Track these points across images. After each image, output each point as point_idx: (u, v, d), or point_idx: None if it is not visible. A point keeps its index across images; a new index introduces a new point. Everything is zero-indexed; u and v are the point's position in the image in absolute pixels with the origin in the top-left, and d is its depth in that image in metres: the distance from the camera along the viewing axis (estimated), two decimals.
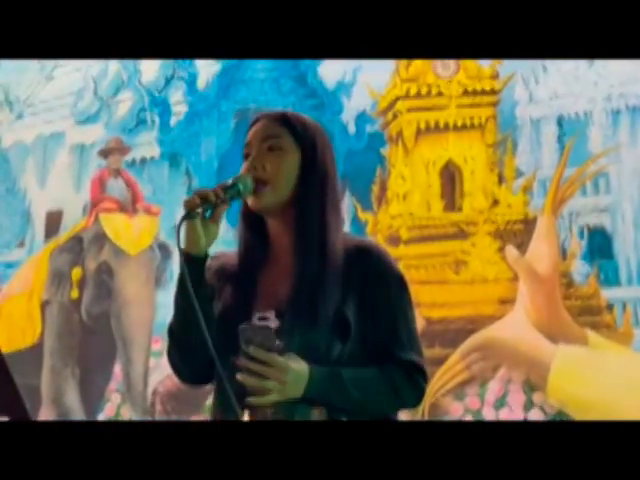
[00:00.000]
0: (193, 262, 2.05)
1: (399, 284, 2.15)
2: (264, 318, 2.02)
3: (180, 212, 2.03)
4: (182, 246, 2.04)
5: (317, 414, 2.02)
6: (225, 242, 2.22)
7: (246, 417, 2.01)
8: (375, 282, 2.10)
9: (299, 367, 1.99)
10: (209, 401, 2.27)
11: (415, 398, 2.13)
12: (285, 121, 2.17)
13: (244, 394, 2.00)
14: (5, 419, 2.63)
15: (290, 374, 1.97)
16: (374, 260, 2.13)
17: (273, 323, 2.00)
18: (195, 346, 1.99)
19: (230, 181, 2.08)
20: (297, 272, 2.09)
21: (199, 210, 2.03)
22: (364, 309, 2.09)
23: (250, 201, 2.12)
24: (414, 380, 2.10)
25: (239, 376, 1.96)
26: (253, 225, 2.18)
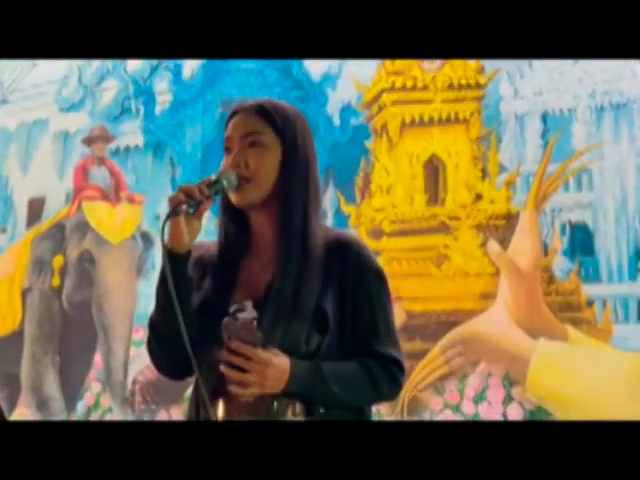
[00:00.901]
0: (176, 259, 2.05)
1: (378, 278, 2.16)
2: (241, 309, 2.02)
3: (164, 202, 2.03)
4: (165, 243, 2.04)
5: (294, 407, 2.03)
6: (208, 233, 2.22)
7: (220, 410, 2.02)
8: (355, 276, 2.11)
9: (281, 362, 1.99)
10: (188, 392, 2.27)
11: (393, 392, 2.16)
12: (265, 114, 2.16)
13: (223, 386, 2.00)
14: None
15: (272, 368, 1.98)
16: (353, 254, 2.13)
17: (251, 314, 2.01)
18: (175, 341, 1.99)
19: (214, 177, 2.08)
20: (279, 264, 2.10)
21: (183, 207, 2.03)
22: (343, 302, 2.10)
23: (233, 197, 2.12)
24: (392, 374, 2.12)
25: (222, 368, 1.97)
26: (234, 217, 2.18)
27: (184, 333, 1.94)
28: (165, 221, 2.02)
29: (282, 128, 2.16)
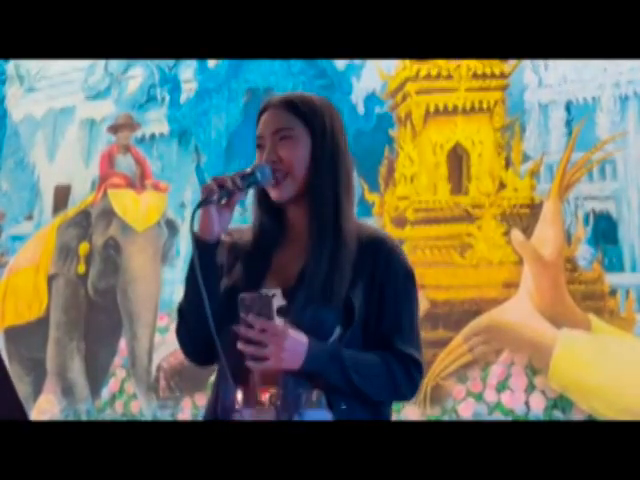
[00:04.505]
0: (205, 247, 2.09)
1: (408, 279, 2.18)
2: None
3: (189, 190, 2.06)
4: (195, 230, 2.08)
5: (316, 395, 2.04)
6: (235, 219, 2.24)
7: (240, 397, 2.04)
8: (384, 273, 2.13)
9: (298, 336, 2.01)
10: (212, 378, 2.30)
11: (409, 391, 2.17)
12: (292, 108, 2.19)
13: (248, 373, 2.03)
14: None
15: (288, 340, 1.99)
16: (385, 251, 2.16)
17: (278, 301, 2.04)
18: (202, 328, 2.02)
19: (249, 169, 2.12)
20: (312, 252, 2.12)
21: (215, 196, 2.07)
22: (371, 298, 2.12)
23: (273, 193, 2.16)
24: (410, 373, 2.13)
25: (239, 345, 1.99)
26: (270, 211, 2.22)
27: (210, 321, 1.98)
28: (195, 209, 2.06)
29: (310, 119, 2.19)
